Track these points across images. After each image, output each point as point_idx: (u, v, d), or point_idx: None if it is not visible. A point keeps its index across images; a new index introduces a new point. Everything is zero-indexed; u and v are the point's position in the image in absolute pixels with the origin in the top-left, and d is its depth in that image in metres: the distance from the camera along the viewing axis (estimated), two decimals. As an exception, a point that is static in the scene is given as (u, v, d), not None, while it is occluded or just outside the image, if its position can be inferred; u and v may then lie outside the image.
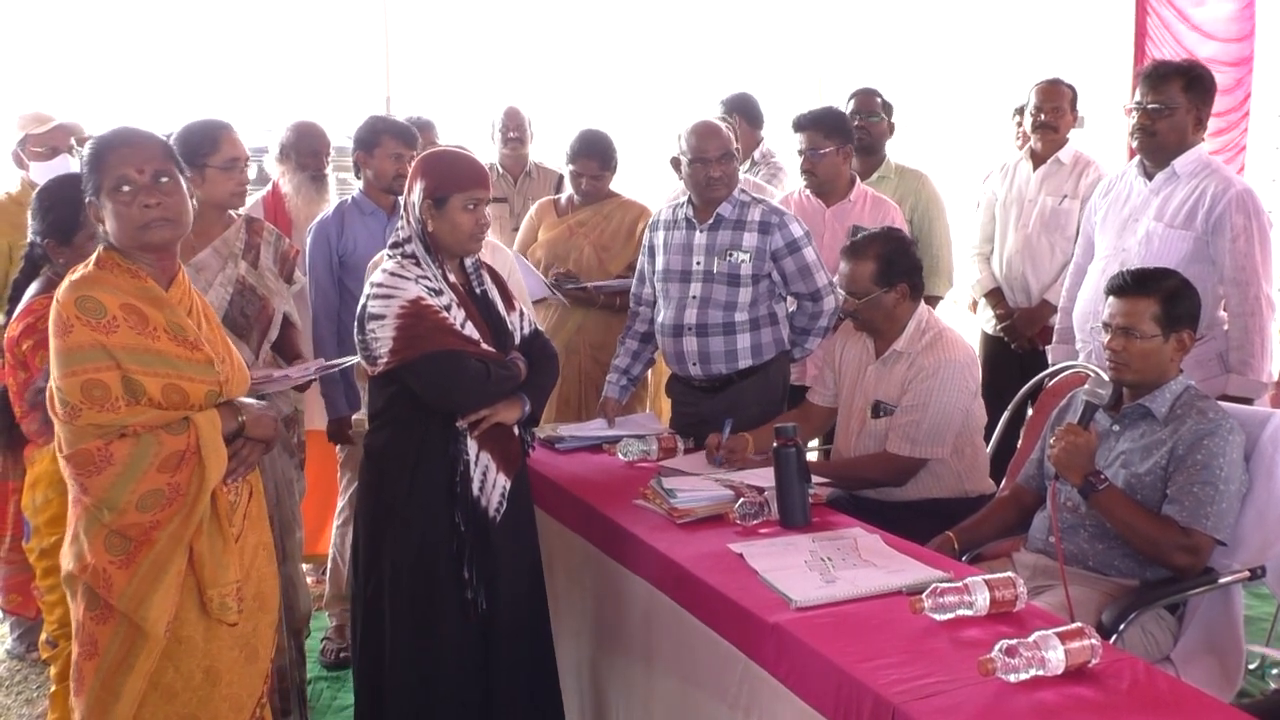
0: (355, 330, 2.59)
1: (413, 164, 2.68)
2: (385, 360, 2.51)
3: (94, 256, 2.20)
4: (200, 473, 2.19)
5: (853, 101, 4.55)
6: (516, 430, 2.66)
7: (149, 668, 2.19)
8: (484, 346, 2.58)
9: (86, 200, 2.21)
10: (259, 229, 3.23)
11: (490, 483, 2.58)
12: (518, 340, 2.73)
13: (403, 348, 2.49)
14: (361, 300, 2.58)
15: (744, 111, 4.66)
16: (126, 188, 2.16)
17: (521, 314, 2.78)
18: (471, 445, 2.57)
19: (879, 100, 4.55)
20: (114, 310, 2.12)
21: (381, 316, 2.50)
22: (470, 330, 2.57)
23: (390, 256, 2.61)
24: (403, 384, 2.54)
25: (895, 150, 4.63)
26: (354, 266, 3.65)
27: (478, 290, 2.68)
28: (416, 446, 2.56)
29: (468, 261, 2.69)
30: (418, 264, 2.56)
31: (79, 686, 2.20)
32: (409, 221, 2.60)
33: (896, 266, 3.12)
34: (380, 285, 2.53)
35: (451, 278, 2.62)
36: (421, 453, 2.56)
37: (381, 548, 2.59)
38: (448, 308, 2.55)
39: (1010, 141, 5.37)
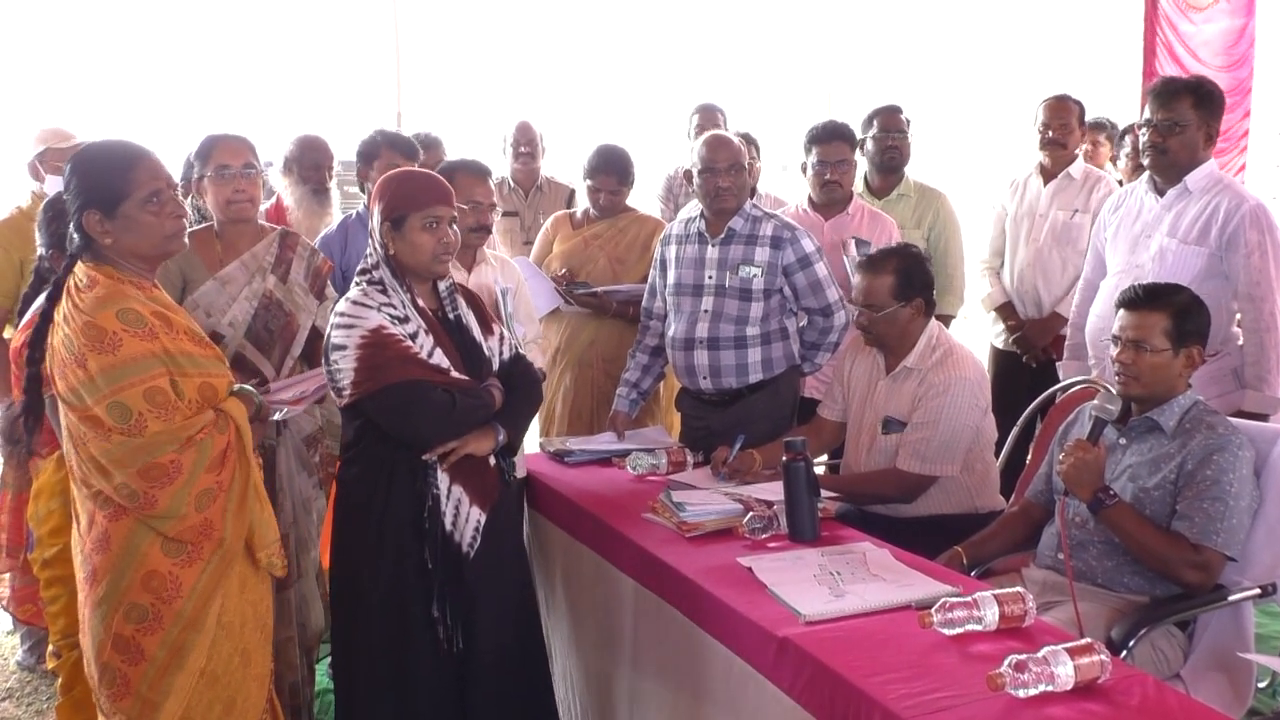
0: (323, 360, 2.52)
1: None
2: (349, 392, 2.44)
3: (86, 273, 2.23)
4: (244, 466, 2.28)
5: (877, 120, 4.41)
6: (493, 461, 2.57)
7: (200, 664, 2.24)
8: (454, 375, 2.50)
9: (86, 213, 2.23)
10: (293, 243, 3.16)
11: (464, 517, 2.50)
12: (496, 366, 2.64)
13: (364, 379, 2.41)
14: (326, 330, 2.51)
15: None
16: (157, 200, 2.25)
17: (502, 338, 2.69)
18: (443, 478, 2.48)
19: (904, 118, 4.44)
20: (150, 318, 2.20)
21: (343, 347, 2.43)
22: (439, 358, 2.49)
23: (357, 284, 2.53)
24: (369, 416, 2.48)
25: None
26: None
27: (450, 315, 2.60)
28: (386, 480, 2.48)
29: (442, 285, 2.60)
30: (383, 291, 2.48)
31: (121, 691, 2.21)
32: (375, 247, 2.53)
33: (914, 281, 3.12)
34: (342, 315, 2.46)
35: (421, 303, 2.53)
36: (391, 487, 2.48)
37: (354, 584, 2.53)
38: (414, 335, 2.47)
39: (1029, 155, 5.28)
